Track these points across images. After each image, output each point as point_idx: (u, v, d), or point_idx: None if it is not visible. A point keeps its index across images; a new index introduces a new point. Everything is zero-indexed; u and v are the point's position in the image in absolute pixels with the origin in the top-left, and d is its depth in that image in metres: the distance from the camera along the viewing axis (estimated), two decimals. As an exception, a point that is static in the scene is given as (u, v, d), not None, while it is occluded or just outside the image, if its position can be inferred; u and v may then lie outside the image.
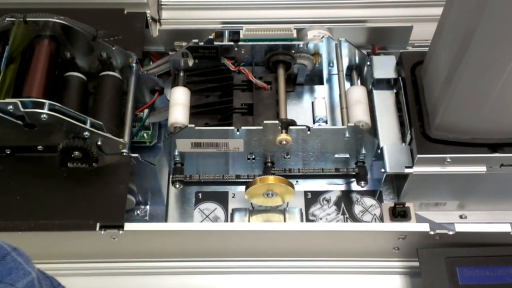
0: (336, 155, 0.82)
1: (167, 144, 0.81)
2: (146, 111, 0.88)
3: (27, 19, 0.80)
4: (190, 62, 0.88)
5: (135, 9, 0.92)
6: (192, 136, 0.79)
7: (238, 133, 0.78)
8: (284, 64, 0.87)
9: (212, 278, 0.80)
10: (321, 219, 0.86)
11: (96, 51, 0.84)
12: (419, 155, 0.77)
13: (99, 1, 0.93)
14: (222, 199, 0.88)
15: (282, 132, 0.77)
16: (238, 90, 0.86)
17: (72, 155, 0.74)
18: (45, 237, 0.73)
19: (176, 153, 0.82)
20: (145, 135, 0.89)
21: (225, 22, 0.98)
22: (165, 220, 0.86)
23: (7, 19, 0.80)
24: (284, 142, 0.78)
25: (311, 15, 0.98)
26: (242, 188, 0.85)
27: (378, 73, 0.87)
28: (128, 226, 0.72)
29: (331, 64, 0.91)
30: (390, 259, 0.80)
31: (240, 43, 0.87)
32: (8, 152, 0.77)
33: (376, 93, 0.87)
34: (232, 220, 0.85)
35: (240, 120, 0.83)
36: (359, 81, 0.90)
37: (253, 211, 0.86)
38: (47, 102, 0.72)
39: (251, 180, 0.79)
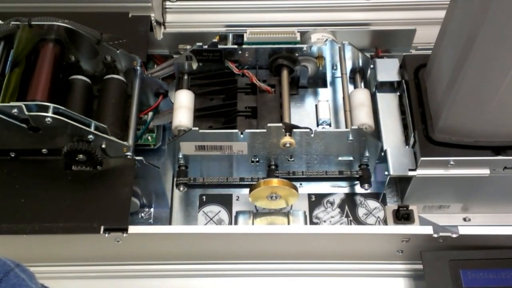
0: (340, 158, 0.82)
1: (171, 147, 0.81)
2: (150, 114, 0.88)
3: (32, 22, 0.80)
4: (194, 65, 0.88)
5: (139, 12, 0.92)
6: (196, 139, 0.79)
7: (242, 136, 0.78)
8: (287, 67, 0.87)
9: (216, 281, 0.80)
10: (325, 221, 0.86)
11: (100, 55, 0.84)
12: (422, 158, 0.77)
13: (103, 5, 0.93)
14: (226, 202, 0.88)
15: (286, 135, 0.78)
16: (242, 93, 0.86)
17: (77, 158, 0.74)
18: (49, 240, 0.73)
19: (180, 156, 0.82)
20: (149, 138, 0.90)
21: (229, 26, 0.98)
22: (169, 223, 0.87)
23: (12, 22, 0.80)
24: (288, 145, 0.78)
25: (315, 18, 0.98)
26: (246, 190, 0.85)
27: (382, 76, 0.87)
28: (132, 229, 0.72)
29: (335, 67, 0.91)
30: (393, 261, 0.80)
31: (244, 46, 0.87)
32: (13, 155, 0.77)
33: (380, 96, 0.88)
34: (236, 223, 0.85)
35: (244, 123, 0.83)
36: (362, 84, 0.90)
37: (257, 213, 0.86)
38: (51, 105, 0.72)
39: (255, 182, 0.80)
